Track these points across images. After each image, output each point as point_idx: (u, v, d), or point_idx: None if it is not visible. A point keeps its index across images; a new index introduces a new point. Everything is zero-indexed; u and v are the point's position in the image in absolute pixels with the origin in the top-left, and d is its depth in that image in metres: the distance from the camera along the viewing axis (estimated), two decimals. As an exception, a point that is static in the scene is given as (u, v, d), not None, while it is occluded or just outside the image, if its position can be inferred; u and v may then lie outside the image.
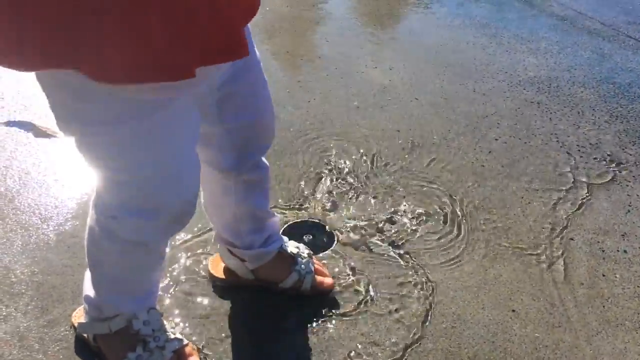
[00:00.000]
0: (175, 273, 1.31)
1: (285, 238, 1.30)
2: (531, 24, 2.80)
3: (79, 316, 1.15)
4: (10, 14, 0.63)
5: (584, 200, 1.62)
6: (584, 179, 1.71)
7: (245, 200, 1.12)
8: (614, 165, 1.78)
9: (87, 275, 1.04)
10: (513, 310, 1.28)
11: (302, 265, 1.25)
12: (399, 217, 1.53)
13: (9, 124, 1.77)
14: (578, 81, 2.28)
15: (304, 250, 1.29)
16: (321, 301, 1.26)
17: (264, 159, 1.12)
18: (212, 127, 0.98)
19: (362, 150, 1.79)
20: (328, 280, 1.29)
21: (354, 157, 1.76)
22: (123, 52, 0.66)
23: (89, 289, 1.04)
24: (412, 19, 2.85)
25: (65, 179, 1.57)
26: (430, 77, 2.26)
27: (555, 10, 2.97)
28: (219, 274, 1.29)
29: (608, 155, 1.83)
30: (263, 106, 1.03)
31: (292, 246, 1.28)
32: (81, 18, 0.63)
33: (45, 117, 1.79)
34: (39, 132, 1.73)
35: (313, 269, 1.27)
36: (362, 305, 1.26)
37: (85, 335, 1.10)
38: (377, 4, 2.96)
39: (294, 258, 1.25)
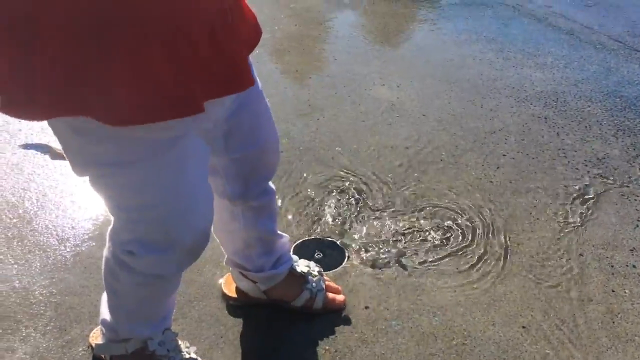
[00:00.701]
0: (189, 293, 1.33)
1: (295, 257, 1.32)
2: (537, 39, 2.82)
3: (96, 337, 1.17)
4: (19, 66, 0.65)
5: (592, 216, 1.63)
6: (592, 194, 1.72)
7: (253, 226, 1.15)
8: (621, 179, 1.79)
9: (104, 298, 1.07)
10: (523, 327, 1.29)
11: (313, 284, 1.27)
12: (408, 233, 1.55)
13: (27, 146, 1.82)
14: (585, 95, 2.29)
15: (315, 269, 1.31)
16: (333, 319, 1.28)
17: (270, 183, 1.15)
18: (219, 158, 1.00)
19: (371, 168, 1.81)
20: (340, 298, 1.31)
21: (363, 174, 1.78)
22: (131, 94, 0.68)
23: (105, 313, 1.06)
24: (419, 36, 2.88)
25: (82, 200, 1.61)
26: (438, 94, 2.29)
27: (561, 24, 2.99)
28: (232, 293, 1.31)
29: (615, 169, 1.84)
30: (267, 134, 1.05)
31: (302, 265, 1.30)
32: (87, 65, 0.65)
33: (61, 139, 1.84)
34: (56, 154, 1.78)
35: (324, 287, 1.29)
36: (373, 323, 1.28)
37: (102, 355, 1.13)
38: (384, 21, 3.00)
39: (304, 277, 1.28)
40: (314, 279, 1.28)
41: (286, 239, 1.26)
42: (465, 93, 2.30)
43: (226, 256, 1.26)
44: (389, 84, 2.36)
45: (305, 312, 1.28)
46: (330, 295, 1.30)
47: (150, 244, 0.87)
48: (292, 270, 1.27)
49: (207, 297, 1.33)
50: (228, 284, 1.33)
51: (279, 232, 1.24)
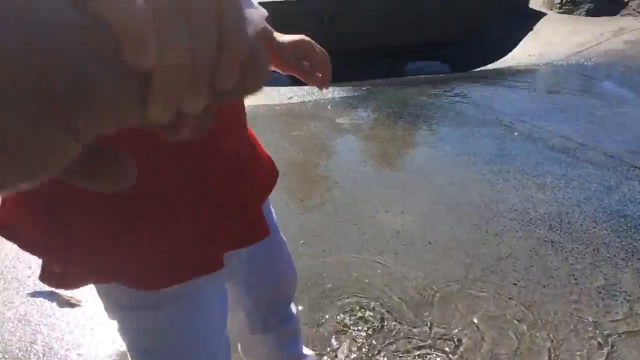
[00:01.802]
0: None
1: None
2: (534, 158, 2.89)
3: None
4: (54, 245, 0.69)
5: (612, 350, 1.58)
6: (609, 326, 1.68)
7: (279, 350, 1.17)
8: (637, 308, 1.76)
9: None
10: None
11: None
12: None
13: (35, 294, 1.81)
14: (589, 216, 2.31)
15: None
16: None
17: (292, 306, 1.17)
18: (238, 294, 1.02)
19: (380, 301, 1.79)
20: None
21: (373, 308, 1.75)
22: (157, 261, 0.71)
23: None
24: (419, 159, 2.97)
25: (88, 352, 1.57)
26: (442, 219, 2.31)
27: (556, 142, 3.08)
28: None
29: (630, 296, 1.81)
30: (283, 269, 1.08)
31: None
32: (116, 238, 0.68)
33: (69, 284, 1.84)
34: (63, 302, 1.77)
35: None
36: None
37: None
38: (384, 145, 3.10)
39: None
40: None
41: (311, 358, 1.29)
42: (468, 216, 2.32)
43: None
44: (392, 210, 2.39)
45: None
46: None
47: None
48: None
49: None
50: None
51: (305, 351, 1.27)
